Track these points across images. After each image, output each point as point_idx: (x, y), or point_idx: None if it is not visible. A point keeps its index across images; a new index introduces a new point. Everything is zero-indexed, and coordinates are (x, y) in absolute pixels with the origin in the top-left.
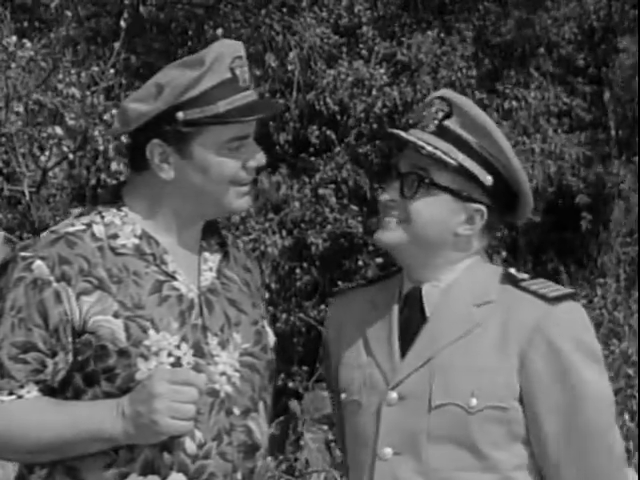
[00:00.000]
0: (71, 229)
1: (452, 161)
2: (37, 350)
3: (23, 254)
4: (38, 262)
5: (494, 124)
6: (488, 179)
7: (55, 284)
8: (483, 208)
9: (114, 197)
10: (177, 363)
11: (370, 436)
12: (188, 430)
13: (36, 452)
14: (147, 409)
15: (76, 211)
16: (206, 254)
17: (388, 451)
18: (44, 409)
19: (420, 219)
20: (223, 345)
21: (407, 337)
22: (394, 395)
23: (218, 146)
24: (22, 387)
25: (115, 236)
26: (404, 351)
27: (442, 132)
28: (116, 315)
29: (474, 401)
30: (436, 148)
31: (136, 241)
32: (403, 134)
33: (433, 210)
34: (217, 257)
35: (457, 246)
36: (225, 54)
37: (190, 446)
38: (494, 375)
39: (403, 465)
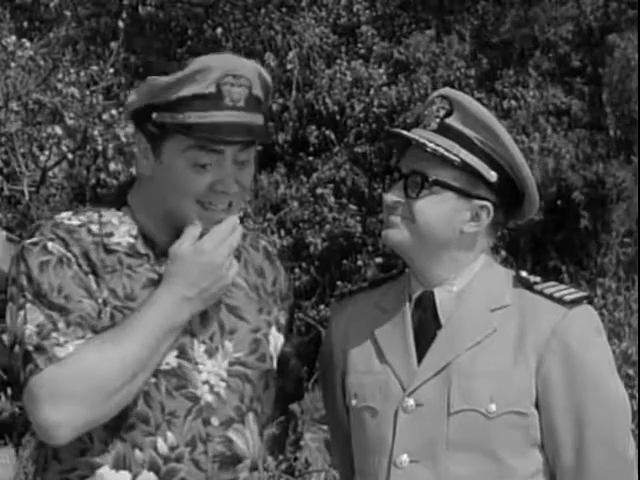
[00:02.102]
0: (67, 222)
1: (454, 158)
2: (92, 318)
3: (31, 240)
4: (50, 243)
5: (496, 120)
6: (492, 175)
7: (74, 259)
8: (488, 205)
9: (117, 198)
10: None
11: (385, 443)
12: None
13: (134, 371)
14: (191, 266)
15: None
16: None
17: (404, 458)
18: (117, 331)
19: (425, 218)
20: (210, 353)
21: (421, 342)
22: (411, 402)
23: (183, 155)
24: (85, 336)
25: (110, 234)
26: (419, 357)
27: (444, 130)
28: (105, 303)
29: (493, 407)
30: (438, 145)
31: (131, 240)
32: (405, 132)
33: (438, 209)
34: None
35: (464, 244)
36: (213, 68)
37: (161, 446)
38: (512, 380)
39: (420, 472)
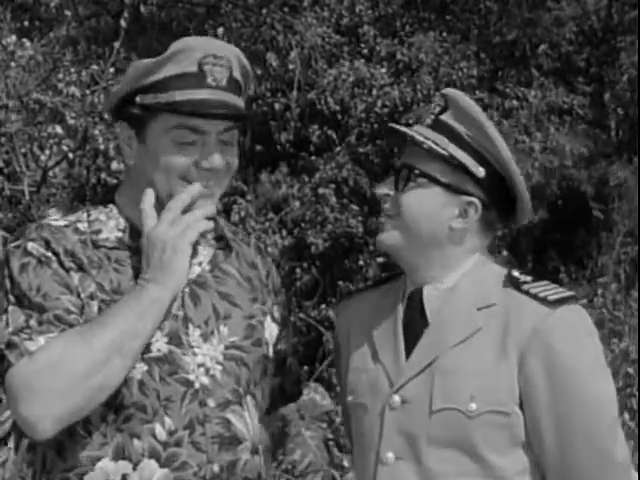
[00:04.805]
0: (53, 223)
1: (442, 151)
2: (73, 313)
3: (14, 244)
4: (30, 244)
5: (486, 117)
6: (480, 171)
7: (54, 257)
8: (476, 201)
9: (105, 197)
10: (146, 349)
11: (374, 439)
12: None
13: (105, 356)
14: (149, 248)
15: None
16: (199, 248)
17: (390, 455)
18: (89, 322)
19: (410, 211)
20: (205, 337)
21: (411, 340)
22: (396, 398)
23: (167, 134)
24: (61, 332)
25: (98, 231)
26: (409, 354)
27: (436, 125)
28: (92, 297)
29: (473, 406)
30: (427, 139)
31: (119, 234)
32: (397, 126)
33: (424, 202)
34: (211, 251)
35: (453, 241)
36: (194, 48)
37: (160, 432)
38: (494, 379)
39: (405, 470)
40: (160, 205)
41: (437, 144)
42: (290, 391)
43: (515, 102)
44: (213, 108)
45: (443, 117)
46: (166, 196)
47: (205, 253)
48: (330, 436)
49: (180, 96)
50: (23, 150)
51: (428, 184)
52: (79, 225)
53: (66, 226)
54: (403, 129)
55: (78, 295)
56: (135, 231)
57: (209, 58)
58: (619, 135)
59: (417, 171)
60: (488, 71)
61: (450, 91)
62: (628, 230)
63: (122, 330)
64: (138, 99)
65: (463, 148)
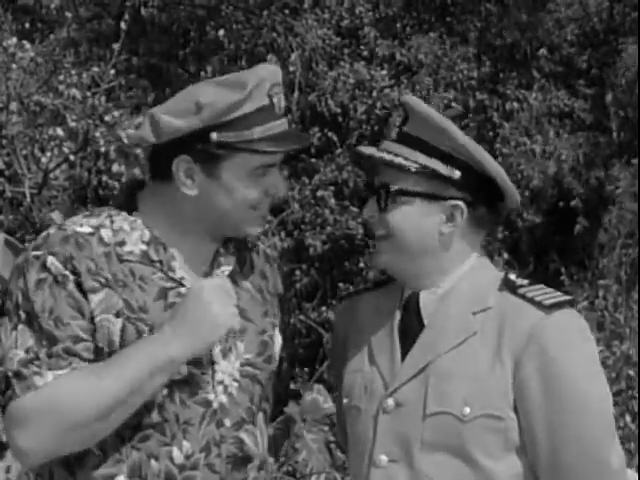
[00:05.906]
0: (79, 229)
1: (412, 164)
2: (82, 340)
3: (35, 253)
4: (50, 258)
5: (447, 120)
6: (455, 173)
7: (72, 277)
8: (460, 203)
9: (128, 201)
10: None
11: (367, 442)
12: (237, 322)
13: (109, 409)
14: (194, 304)
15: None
16: (221, 260)
17: (383, 458)
18: (100, 365)
19: (399, 230)
20: (224, 354)
21: (407, 343)
22: (390, 402)
23: (246, 172)
24: (71, 364)
25: (122, 243)
26: (404, 358)
27: (402, 138)
28: (117, 314)
29: (467, 410)
30: (397, 155)
31: (144, 247)
32: (362, 149)
33: (409, 218)
34: (232, 265)
35: (445, 246)
36: (265, 80)
37: (177, 455)
38: (488, 383)
39: (398, 473)
40: (223, 231)
41: (407, 158)
42: (282, 394)
43: (516, 104)
44: (288, 140)
45: (406, 128)
46: (235, 225)
47: (227, 267)
48: (332, 438)
49: (259, 133)
50: (24, 152)
51: (409, 199)
52: (103, 233)
53: (91, 234)
54: (369, 152)
55: (91, 319)
56: (159, 244)
57: (275, 88)
58: (620, 137)
59: (395, 189)
60: (488, 73)
61: (407, 98)
62: (629, 232)
63: (130, 386)
64: (214, 136)
65: (432, 155)
